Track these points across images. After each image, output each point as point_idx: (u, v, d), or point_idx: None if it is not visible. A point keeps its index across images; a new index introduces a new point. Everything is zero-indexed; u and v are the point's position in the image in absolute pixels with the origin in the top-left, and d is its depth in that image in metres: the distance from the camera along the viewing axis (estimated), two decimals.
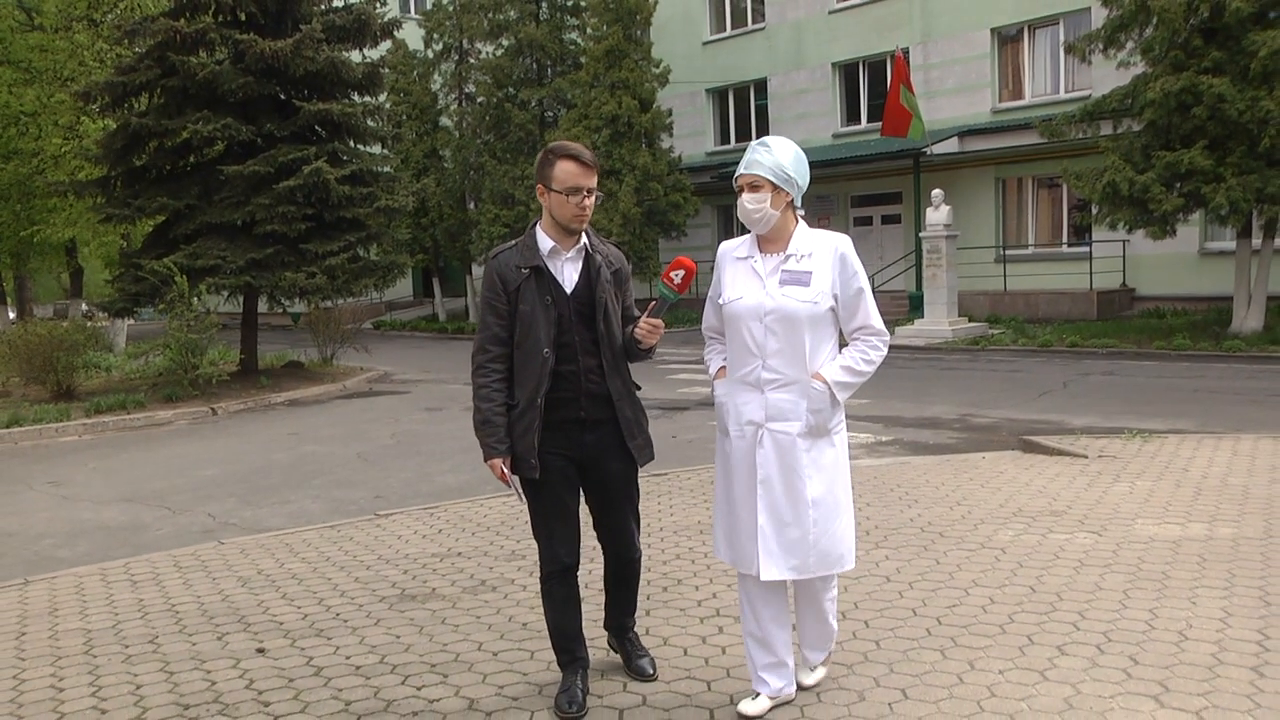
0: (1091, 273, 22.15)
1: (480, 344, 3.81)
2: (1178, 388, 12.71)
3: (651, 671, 4.08)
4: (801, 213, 3.68)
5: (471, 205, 31.38)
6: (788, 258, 3.59)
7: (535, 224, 3.85)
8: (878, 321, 3.61)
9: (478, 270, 33.76)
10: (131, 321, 26.20)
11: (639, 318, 3.84)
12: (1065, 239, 24.02)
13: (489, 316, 3.80)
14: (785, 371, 3.56)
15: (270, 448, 11.47)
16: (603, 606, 4.25)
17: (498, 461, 3.76)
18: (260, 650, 4.67)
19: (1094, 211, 18.28)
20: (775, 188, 3.53)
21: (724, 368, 3.77)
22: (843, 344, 3.68)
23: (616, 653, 4.23)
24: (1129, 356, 16.43)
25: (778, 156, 3.54)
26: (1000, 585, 5.02)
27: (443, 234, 31.45)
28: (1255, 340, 16.36)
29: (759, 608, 3.73)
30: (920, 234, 20.74)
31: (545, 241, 3.79)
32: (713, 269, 3.77)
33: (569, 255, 3.80)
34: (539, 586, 3.98)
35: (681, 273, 3.66)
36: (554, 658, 4.05)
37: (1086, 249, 22.55)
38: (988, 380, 14.17)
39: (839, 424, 3.64)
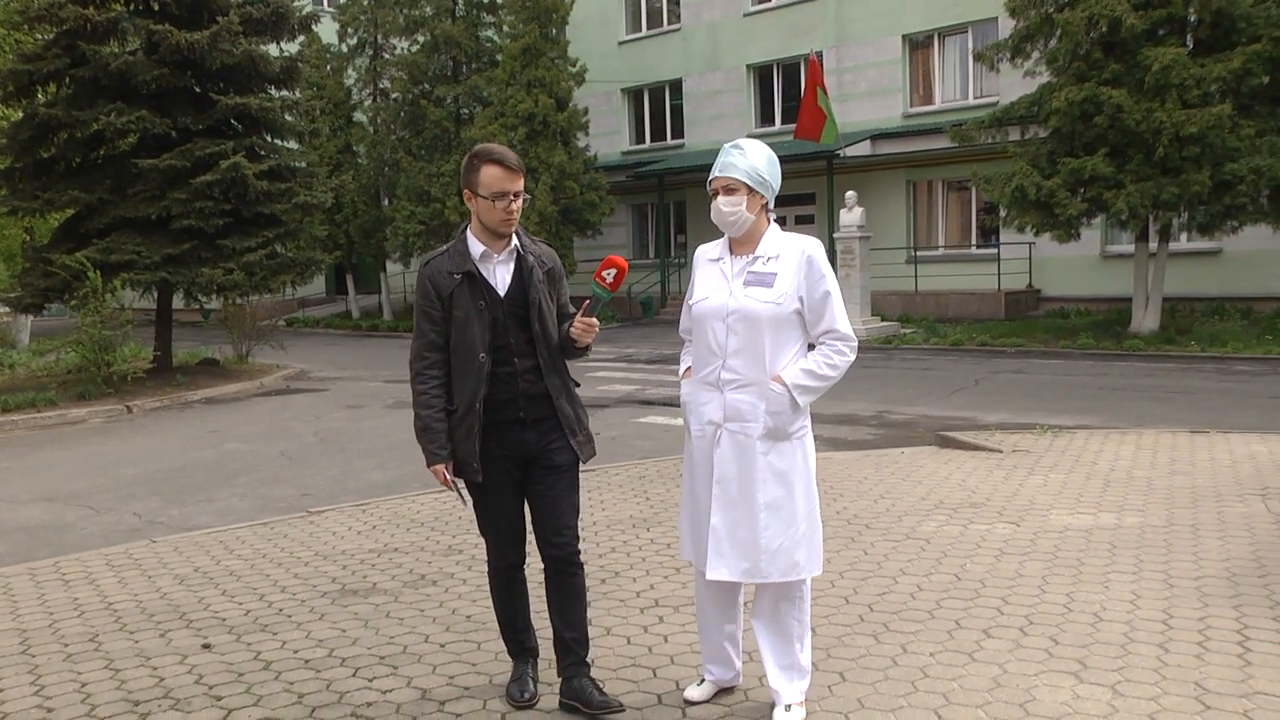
0: (999, 274, 22.82)
1: (417, 351, 3.81)
2: (1083, 385, 13.23)
3: (619, 706, 3.79)
4: (774, 215, 3.73)
5: (386, 202, 31.10)
6: (755, 259, 3.60)
7: (465, 228, 3.84)
8: (845, 326, 3.58)
9: (392, 267, 33.47)
10: (33, 317, 25.43)
11: (574, 315, 3.83)
12: (974, 241, 24.70)
13: (424, 324, 3.79)
14: (745, 372, 3.56)
15: (191, 446, 11.32)
16: (553, 650, 3.94)
17: (440, 467, 3.77)
18: (206, 646, 4.69)
19: (1002, 215, 18.88)
20: (750, 190, 3.55)
21: (690, 368, 3.80)
22: None
23: (573, 704, 3.81)
24: (1037, 355, 17.01)
25: (752, 159, 3.56)
26: (926, 574, 5.26)
27: (357, 230, 31.09)
28: (1153, 340, 17.08)
29: (710, 604, 3.79)
30: (834, 234, 21.16)
31: (476, 246, 3.78)
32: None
33: (500, 258, 3.79)
34: (483, 579, 4.01)
35: (614, 271, 3.66)
36: (502, 648, 4.14)
37: (994, 250, 23.22)
38: (902, 378, 14.57)
39: (802, 429, 3.62)
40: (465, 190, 3.75)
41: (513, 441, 3.78)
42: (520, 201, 3.71)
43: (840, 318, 3.58)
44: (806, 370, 3.56)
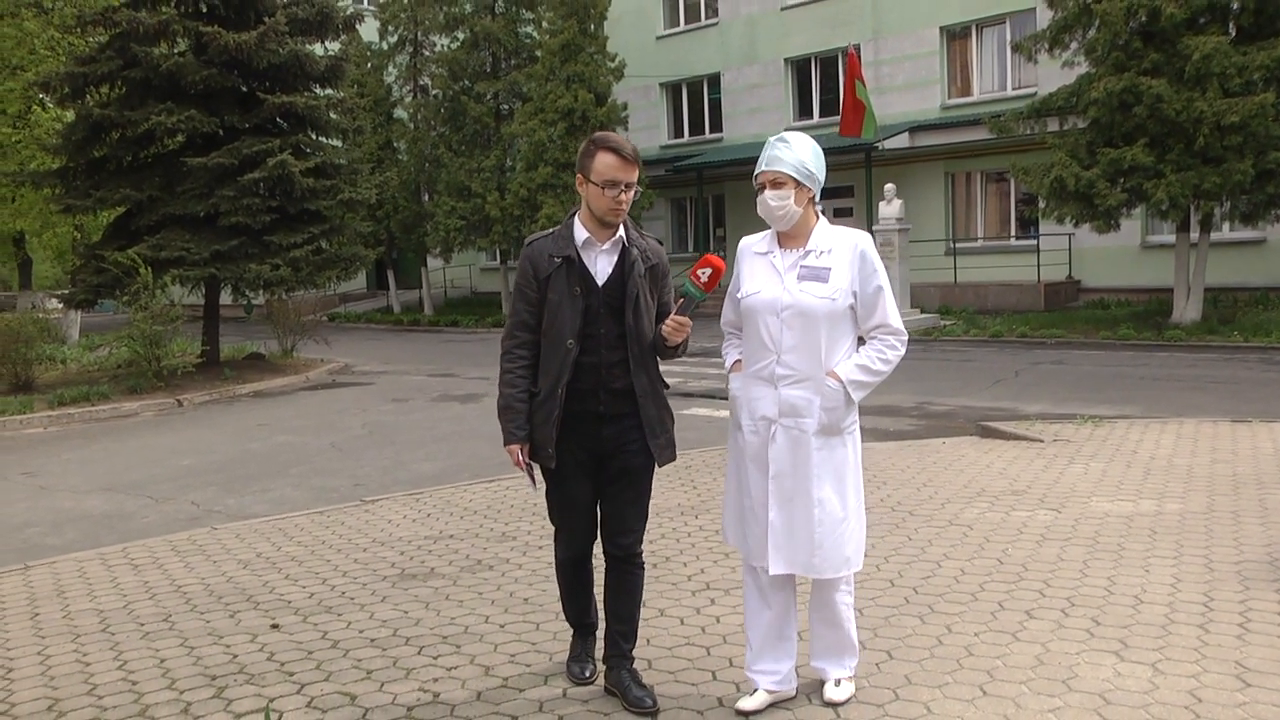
0: (1039, 265, 22.76)
1: (509, 329, 3.83)
2: (1123, 375, 13.23)
3: (651, 704, 3.78)
4: (820, 208, 3.75)
5: (426, 197, 31.44)
6: (807, 253, 3.62)
7: (574, 214, 3.84)
8: (896, 320, 3.62)
9: (433, 263, 33.82)
10: (81, 313, 25.93)
11: (660, 325, 3.79)
12: (1013, 232, 24.64)
13: (519, 303, 3.81)
14: (800, 368, 3.58)
15: (242, 438, 11.60)
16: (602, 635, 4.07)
17: (515, 447, 3.77)
18: (274, 626, 4.90)
19: (1041, 206, 18.85)
20: (798, 184, 3.57)
21: (739, 361, 3.81)
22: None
23: (613, 691, 3.90)
24: (1076, 346, 16.99)
25: (798, 153, 3.57)
26: (969, 558, 5.38)
27: (397, 226, 31.49)
28: (1194, 330, 17.00)
29: (763, 603, 3.78)
30: (873, 227, 21.18)
31: (580, 232, 3.77)
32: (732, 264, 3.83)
33: (604, 247, 3.77)
34: (539, 564, 4.06)
35: (709, 271, 3.61)
36: (560, 628, 4.30)
37: (1034, 242, 23.17)
38: (942, 370, 14.62)
39: (852, 424, 3.66)
40: (579, 174, 3.75)
41: (589, 435, 3.79)
42: (631, 194, 3.71)
43: (892, 312, 3.62)
44: (861, 365, 3.60)
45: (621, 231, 3.80)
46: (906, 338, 3.68)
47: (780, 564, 3.65)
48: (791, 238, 3.69)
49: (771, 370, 3.64)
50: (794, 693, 3.82)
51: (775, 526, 3.63)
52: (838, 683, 3.78)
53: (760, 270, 3.71)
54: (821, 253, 3.62)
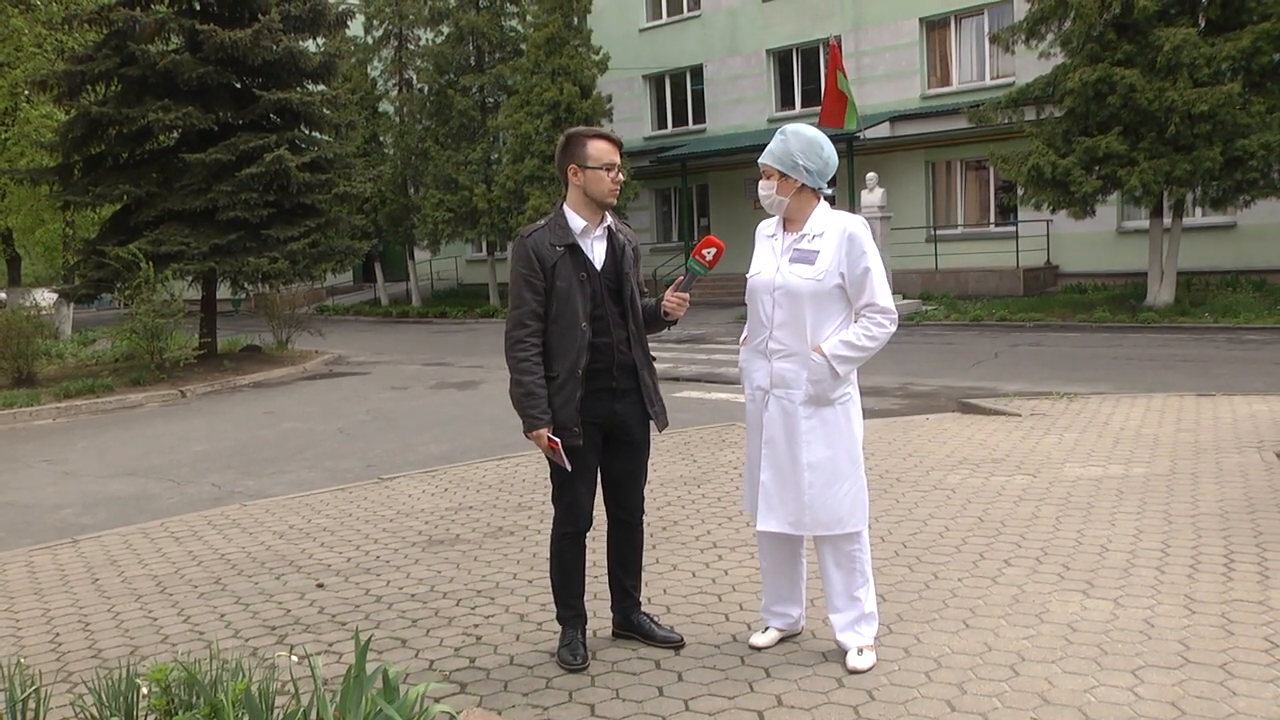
0: (1018, 251, 23.26)
1: (518, 319, 3.96)
2: (1099, 356, 13.77)
3: (679, 637, 4.21)
4: (828, 192, 3.96)
5: (413, 191, 31.77)
6: (801, 237, 3.90)
7: (561, 205, 4.07)
8: (885, 300, 3.83)
9: (420, 255, 34.17)
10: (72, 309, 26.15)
11: (658, 298, 4.10)
12: (992, 219, 25.16)
13: (526, 293, 3.95)
14: (789, 343, 3.88)
15: (250, 426, 12.00)
16: (609, 592, 4.37)
17: (543, 432, 3.88)
18: (320, 585, 5.35)
19: (1019, 193, 19.40)
20: (782, 175, 3.88)
21: (747, 337, 4.12)
22: None
23: (627, 635, 4.29)
24: (1054, 329, 17.55)
25: (788, 145, 3.85)
26: (953, 517, 5.86)
27: (385, 219, 31.80)
28: (1167, 312, 17.59)
29: (770, 554, 4.13)
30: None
31: (576, 220, 4.01)
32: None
33: (597, 233, 4.03)
34: (551, 545, 4.21)
35: (713, 250, 3.92)
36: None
37: (1013, 229, 23.66)
38: (924, 352, 15.13)
39: (845, 395, 3.90)
40: (571, 165, 3.99)
41: (602, 411, 4.01)
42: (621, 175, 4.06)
43: (880, 292, 3.84)
44: (845, 341, 3.84)
45: (608, 218, 4.11)
46: (896, 316, 3.89)
47: (768, 521, 3.97)
48: (791, 222, 3.98)
49: (765, 344, 3.96)
50: (801, 631, 4.26)
51: (765, 487, 3.97)
52: (860, 651, 3.92)
53: (764, 253, 4.04)
54: (814, 236, 3.89)
